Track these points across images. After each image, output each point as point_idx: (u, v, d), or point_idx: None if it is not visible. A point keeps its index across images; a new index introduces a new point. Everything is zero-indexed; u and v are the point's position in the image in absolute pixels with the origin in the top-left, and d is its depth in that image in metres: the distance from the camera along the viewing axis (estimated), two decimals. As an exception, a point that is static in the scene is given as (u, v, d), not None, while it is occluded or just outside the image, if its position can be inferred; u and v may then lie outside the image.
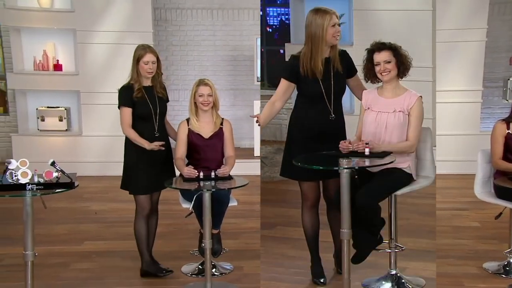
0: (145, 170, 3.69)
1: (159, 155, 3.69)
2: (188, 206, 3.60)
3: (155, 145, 3.58)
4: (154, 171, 3.70)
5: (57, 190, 3.11)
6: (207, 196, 3.38)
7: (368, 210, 3.22)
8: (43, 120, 7.26)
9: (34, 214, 3.08)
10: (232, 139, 3.87)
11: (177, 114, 7.45)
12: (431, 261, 3.74)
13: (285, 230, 4.52)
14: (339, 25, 3.39)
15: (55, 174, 3.15)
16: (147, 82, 3.73)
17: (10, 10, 7.10)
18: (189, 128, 3.79)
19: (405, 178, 3.37)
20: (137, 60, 3.67)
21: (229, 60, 8.27)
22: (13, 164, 3.09)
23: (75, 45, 7.17)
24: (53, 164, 3.24)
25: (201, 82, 3.79)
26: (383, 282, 3.49)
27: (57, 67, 7.26)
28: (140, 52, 3.68)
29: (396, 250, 3.49)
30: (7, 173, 3.08)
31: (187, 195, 3.67)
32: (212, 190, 3.41)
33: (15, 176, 3.07)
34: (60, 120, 7.28)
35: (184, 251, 4.18)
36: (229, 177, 3.61)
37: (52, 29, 7.19)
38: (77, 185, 3.17)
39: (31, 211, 3.05)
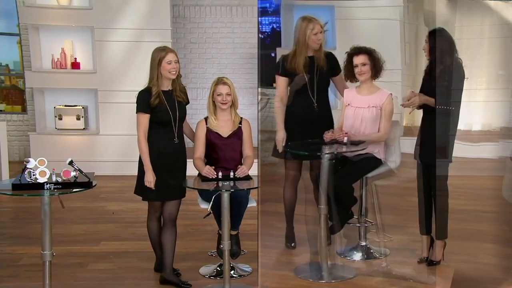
0: (159, 176, 3.54)
1: (174, 162, 3.59)
2: (206, 206, 3.56)
3: (149, 183, 3.50)
4: (168, 178, 3.56)
5: (75, 190, 3.08)
6: (225, 197, 3.33)
7: (342, 189, 3.76)
8: (60, 118, 7.25)
9: (52, 214, 3.05)
10: (251, 139, 3.81)
11: (195, 113, 7.39)
12: (397, 234, 4.21)
13: (274, 205, 4.63)
14: (322, 32, 3.90)
15: (73, 174, 3.13)
16: (167, 86, 3.59)
17: (29, 8, 7.11)
18: (207, 127, 3.74)
19: (376, 162, 3.90)
20: (158, 61, 3.51)
21: (248, 58, 8.17)
22: (32, 163, 3.07)
23: (93, 43, 7.16)
24: (71, 163, 3.21)
25: (220, 81, 3.73)
26: (355, 252, 4.09)
27: (75, 65, 7.25)
28: (161, 53, 3.53)
29: (366, 225, 4.11)
30: (25, 172, 3.05)
31: (205, 195, 3.62)
32: (231, 190, 3.37)
33: (34, 175, 3.05)
34: (78, 118, 7.26)
35: (202, 252, 4.14)
36: (248, 177, 3.55)
37: (70, 26, 7.18)
38: (95, 185, 3.14)
39: (49, 211, 3.03)
